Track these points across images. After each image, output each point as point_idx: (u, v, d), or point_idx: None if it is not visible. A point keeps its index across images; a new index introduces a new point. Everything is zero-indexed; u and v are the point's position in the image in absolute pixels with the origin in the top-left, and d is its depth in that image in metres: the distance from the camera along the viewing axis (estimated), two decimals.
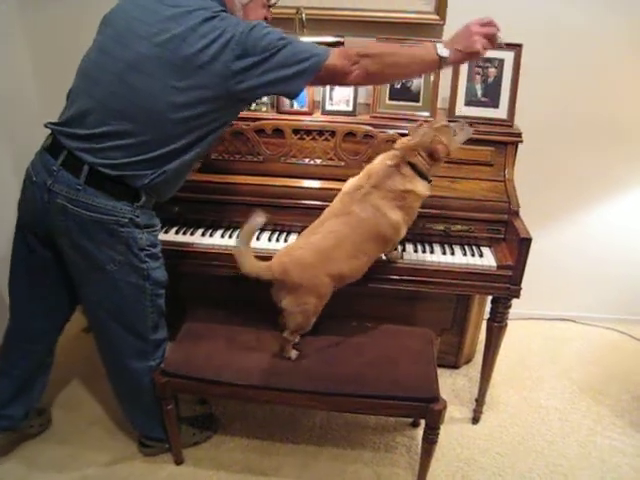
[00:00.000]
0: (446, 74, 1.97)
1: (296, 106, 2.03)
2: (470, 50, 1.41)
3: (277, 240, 1.87)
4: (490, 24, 1.44)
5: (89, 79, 1.45)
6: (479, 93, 1.99)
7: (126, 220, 1.47)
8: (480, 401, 2.04)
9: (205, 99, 1.40)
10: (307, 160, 1.93)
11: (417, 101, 2.00)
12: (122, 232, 1.48)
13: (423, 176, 1.62)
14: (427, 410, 1.60)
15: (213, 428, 1.98)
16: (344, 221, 1.58)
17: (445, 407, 1.60)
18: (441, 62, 1.42)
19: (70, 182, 1.42)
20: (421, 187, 1.62)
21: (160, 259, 1.62)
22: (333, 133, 1.92)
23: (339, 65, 1.40)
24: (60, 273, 1.63)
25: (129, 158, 1.43)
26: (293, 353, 1.68)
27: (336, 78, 1.45)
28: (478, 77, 1.98)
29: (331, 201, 1.86)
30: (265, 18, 1.57)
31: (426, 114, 1.99)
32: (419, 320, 2.16)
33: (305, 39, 1.90)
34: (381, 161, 1.64)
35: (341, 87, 1.54)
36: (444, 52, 1.40)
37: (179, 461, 1.86)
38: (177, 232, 1.89)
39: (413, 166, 1.61)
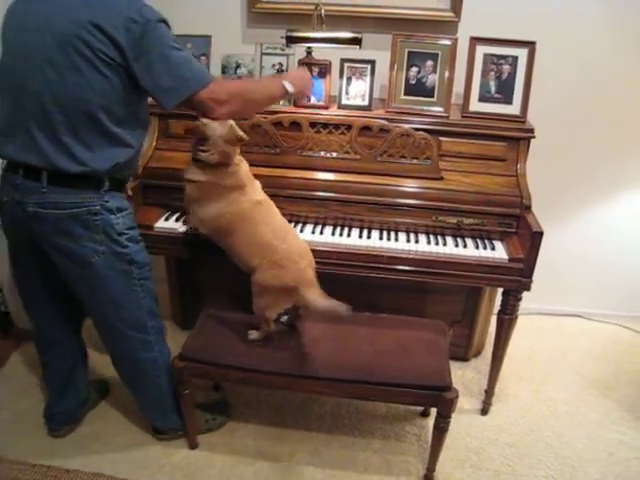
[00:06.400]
0: (460, 70, 2.01)
1: (313, 100, 2.07)
2: (306, 91, 1.76)
3: None
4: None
5: None
6: (493, 89, 2.02)
7: (97, 207, 1.50)
8: (489, 393, 2.07)
9: None
10: (323, 153, 1.97)
11: (432, 96, 2.03)
12: (97, 221, 1.50)
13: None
14: (439, 398, 1.63)
15: (226, 414, 2.02)
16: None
17: (457, 396, 1.63)
18: (286, 95, 1.66)
19: (35, 188, 1.46)
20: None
21: (140, 242, 1.65)
22: (349, 127, 1.95)
23: (207, 102, 1.47)
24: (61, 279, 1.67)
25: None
26: None
27: (201, 111, 1.52)
28: (492, 73, 2.01)
29: (346, 193, 1.92)
30: None
31: (440, 109, 2.02)
32: (429, 312, 2.19)
33: (324, 35, 1.96)
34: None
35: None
36: (290, 87, 1.63)
37: (193, 446, 1.90)
38: None
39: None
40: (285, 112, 1.99)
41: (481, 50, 1.99)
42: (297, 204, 1.93)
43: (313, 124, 1.97)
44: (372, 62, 2.04)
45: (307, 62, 2.06)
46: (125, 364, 1.80)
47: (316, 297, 1.59)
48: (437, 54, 2.00)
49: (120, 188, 1.58)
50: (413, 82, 2.03)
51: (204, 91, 1.45)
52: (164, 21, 1.43)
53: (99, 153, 1.46)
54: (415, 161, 1.94)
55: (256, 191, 1.68)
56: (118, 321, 1.66)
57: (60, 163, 1.43)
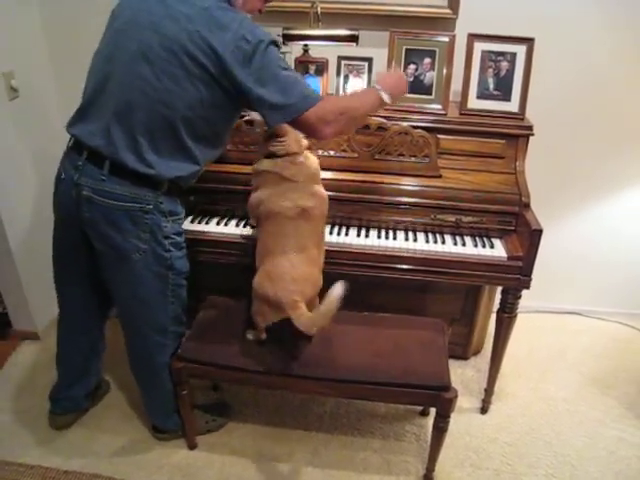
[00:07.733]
0: (458, 67, 2.00)
1: None
2: (401, 94, 1.68)
3: None
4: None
5: None
6: (491, 86, 2.01)
7: (150, 207, 1.50)
8: (489, 391, 2.06)
9: None
10: (320, 152, 1.95)
11: (430, 94, 2.02)
12: (147, 219, 1.50)
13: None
14: (438, 398, 1.62)
15: (226, 415, 2.02)
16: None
17: (456, 396, 1.62)
18: (382, 106, 1.60)
19: (94, 174, 1.47)
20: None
21: (184, 249, 1.65)
22: None
23: (315, 123, 1.44)
24: (97, 267, 1.67)
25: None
26: None
27: (307, 131, 1.50)
28: (490, 70, 1.99)
29: (343, 192, 1.90)
30: (259, 11, 1.60)
31: (438, 107, 2.01)
32: (429, 311, 2.18)
33: (320, 32, 1.94)
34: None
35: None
36: (386, 98, 1.57)
37: (192, 446, 1.90)
38: (192, 221, 1.92)
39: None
40: None
41: (479, 47, 1.98)
42: None
43: None
44: (369, 59, 2.03)
45: (304, 60, 2.05)
46: (140, 363, 1.79)
47: (299, 317, 1.52)
48: (435, 51, 1.99)
49: (178, 192, 1.58)
50: (411, 79, 2.02)
51: (312, 111, 1.42)
52: (275, 42, 1.43)
53: (167, 160, 1.47)
54: (413, 159, 1.93)
55: (307, 195, 1.60)
56: (142, 321, 1.67)
57: (126, 159, 1.43)
